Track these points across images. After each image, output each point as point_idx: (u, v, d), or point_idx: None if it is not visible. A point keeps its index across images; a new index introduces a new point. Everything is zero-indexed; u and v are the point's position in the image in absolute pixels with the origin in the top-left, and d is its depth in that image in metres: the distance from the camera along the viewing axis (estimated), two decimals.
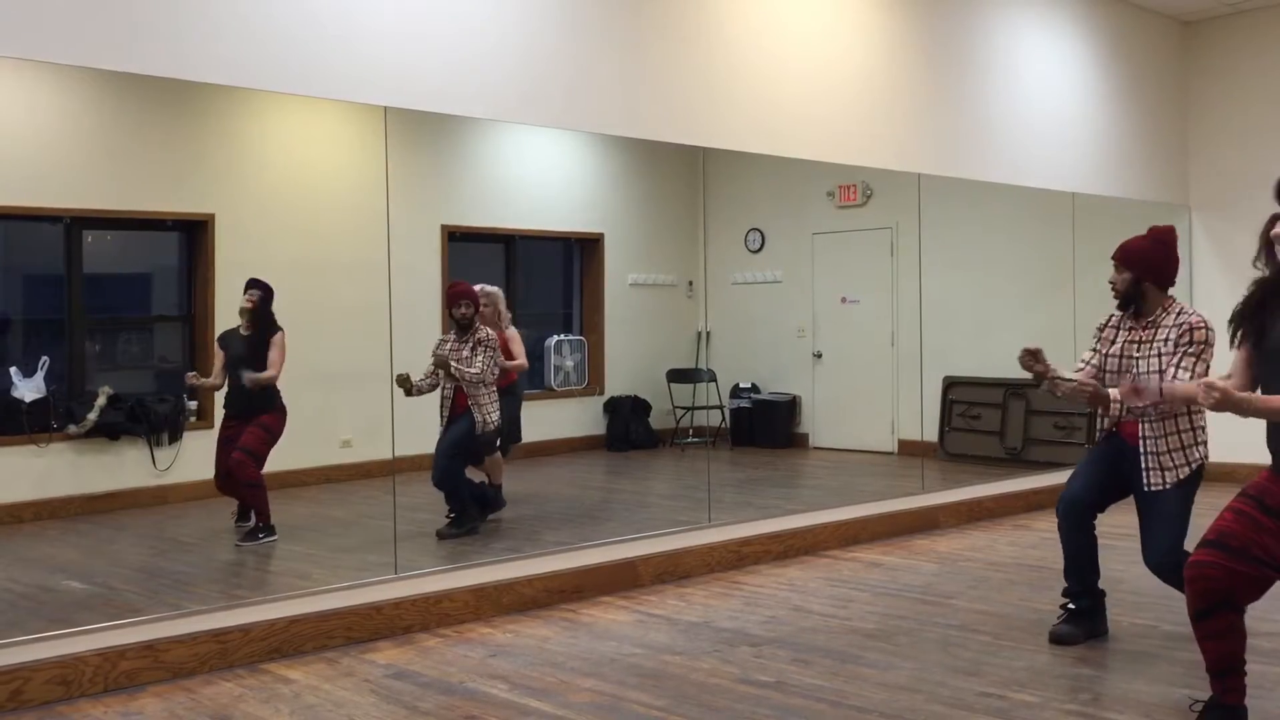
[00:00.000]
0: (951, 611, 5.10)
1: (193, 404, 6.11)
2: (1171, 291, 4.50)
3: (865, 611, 5.12)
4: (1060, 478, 8.00)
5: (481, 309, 6.40)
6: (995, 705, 3.83)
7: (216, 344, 5.87)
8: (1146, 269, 4.43)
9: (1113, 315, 4.61)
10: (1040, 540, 6.71)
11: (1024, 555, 6.28)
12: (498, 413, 6.29)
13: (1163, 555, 4.27)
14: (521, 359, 6.74)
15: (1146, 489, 4.33)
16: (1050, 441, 8.62)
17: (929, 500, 7.22)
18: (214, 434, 5.85)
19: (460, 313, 6.22)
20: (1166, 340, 4.32)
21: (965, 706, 3.83)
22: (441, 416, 6.26)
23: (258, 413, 5.75)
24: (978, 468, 8.40)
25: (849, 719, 3.74)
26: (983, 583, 5.65)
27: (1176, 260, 4.52)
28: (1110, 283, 4.52)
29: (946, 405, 8.87)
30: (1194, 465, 4.32)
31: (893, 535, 6.85)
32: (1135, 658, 4.36)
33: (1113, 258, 4.52)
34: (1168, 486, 4.31)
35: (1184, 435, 4.31)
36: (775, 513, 6.53)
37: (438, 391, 6.28)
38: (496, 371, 6.27)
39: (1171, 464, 4.31)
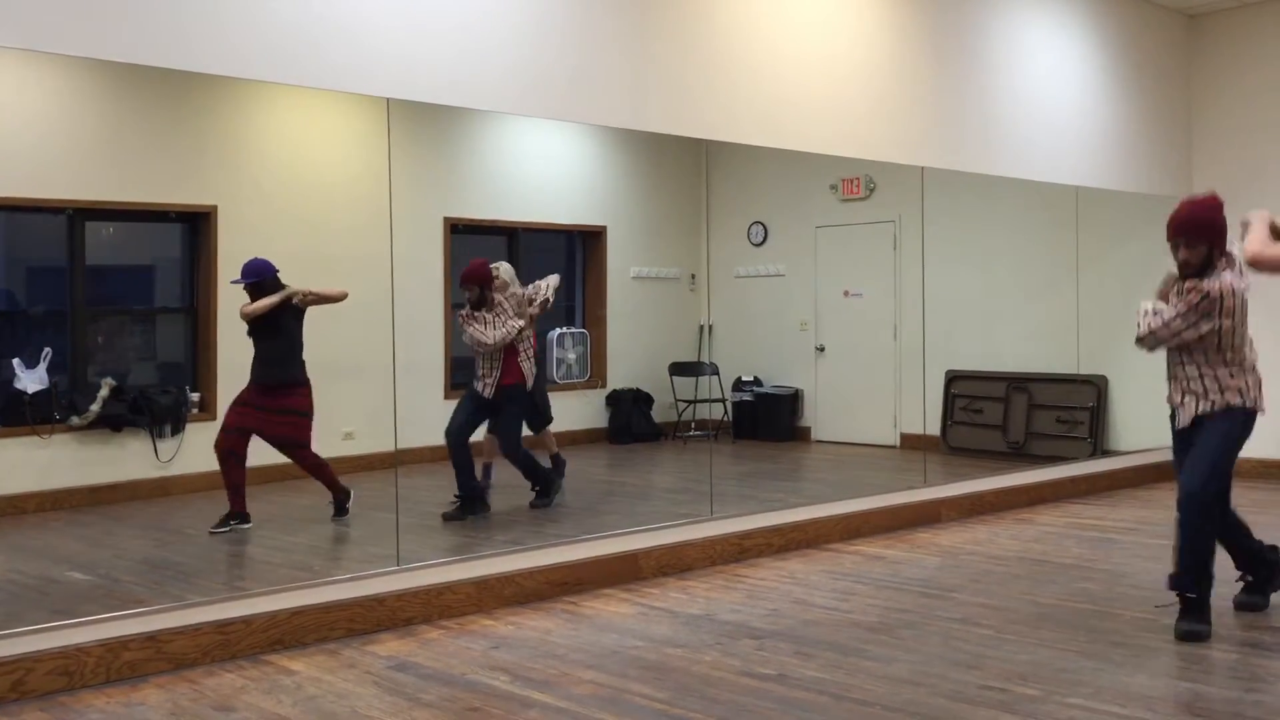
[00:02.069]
0: (953, 605, 5.10)
1: (195, 396, 6.11)
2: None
3: (867, 605, 5.12)
4: (1062, 472, 8.04)
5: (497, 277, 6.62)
6: (997, 698, 3.83)
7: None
8: (1219, 235, 4.48)
9: (1175, 281, 4.66)
10: (1042, 534, 6.71)
11: (1026, 549, 6.28)
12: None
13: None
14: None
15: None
16: (1052, 436, 8.61)
17: (931, 494, 7.22)
18: (216, 425, 5.85)
19: (467, 296, 6.44)
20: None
21: (967, 700, 3.83)
22: (484, 386, 6.42)
23: (297, 385, 5.79)
24: (980, 461, 8.40)
25: (851, 712, 3.74)
26: (985, 576, 5.65)
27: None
28: (1184, 261, 4.50)
29: (949, 399, 8.86)
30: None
31: (895, 529, 6.85)
32: (1137, 651, 4.36)
33: (1180, 235, 4.49)
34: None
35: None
36: (777, 506, 6.53)
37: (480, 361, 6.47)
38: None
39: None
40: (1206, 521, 4.46)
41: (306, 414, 5.84)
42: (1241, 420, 4.51)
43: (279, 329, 5.78)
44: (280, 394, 5.79)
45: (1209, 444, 4.49)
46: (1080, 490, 8.03)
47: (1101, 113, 8.31)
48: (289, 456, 5.84)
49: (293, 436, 5.80)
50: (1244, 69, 8.77)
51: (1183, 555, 4.48)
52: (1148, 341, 4.55)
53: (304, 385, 5.84)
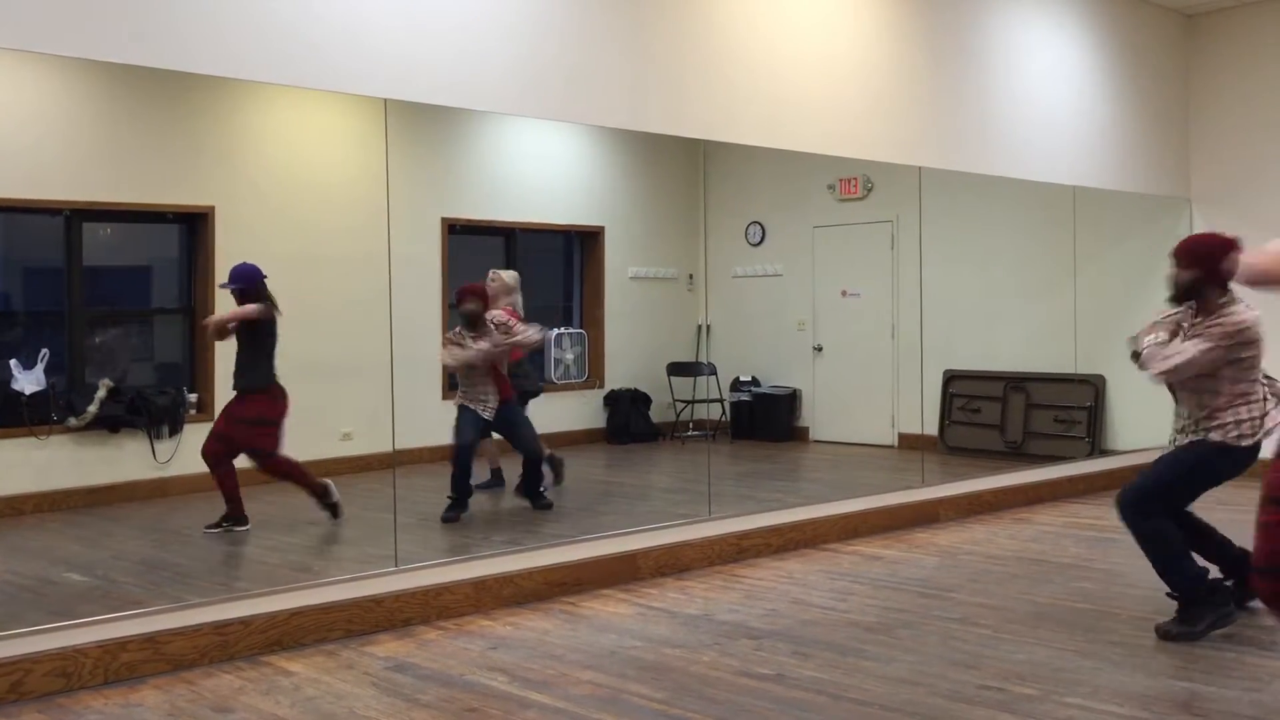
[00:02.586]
0: (951, 604, 5.10)
1: (193, 397, 6.11)
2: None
3: (865, 604, 5.13)
4: (1060, 472, 8.05)
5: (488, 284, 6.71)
6: (995, 698, 3.84)
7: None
8: (1212, 265, 4.51)
9: (1175, 311, 4.71)
10: (1040, 534, 6.71)
11: (1024, 549, 6.29)
12: None
13: (1124, 490, 4.68)
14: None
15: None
16: (1050, 435, 8.62)
17: (929, 494, 7.22)
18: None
19: (468, 308, 6.43)
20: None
21: (965, 699, 3.83)
22: (481, 405, 6.44)
23: (258, 391, 5.77)
24: (978, 461, 8.40)
25: (849, 712, 3.74)
26: (983, 576, 5.66)
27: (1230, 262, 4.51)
28: (1172, 280, 4.63)
29: (947, 398, 8.87)
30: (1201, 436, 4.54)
31: (893, 528, 6.86)
32: (1135, 650, 4.36)
33: (1176, 256, 4.63)
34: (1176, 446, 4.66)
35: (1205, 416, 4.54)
36: (775, 506, 6.54)
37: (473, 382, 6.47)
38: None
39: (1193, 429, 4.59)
40: (1136, 529, 4.58)
41: (267, 421, 5.76)
42: (1206, 452, 4.53)
43: (239, 338, 5.76)
44: (245, 400, 5.77)
45: (1156, 464, 4.67)
46: (1078, 490, 8.04)
47: (1099, 113, 8.32)
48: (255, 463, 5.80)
49: (250, 444, 5.74)
50: (1242, 69, 8.78)
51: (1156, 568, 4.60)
52: (1170, 376, 4.54)
53: (265, 391, 5.76)
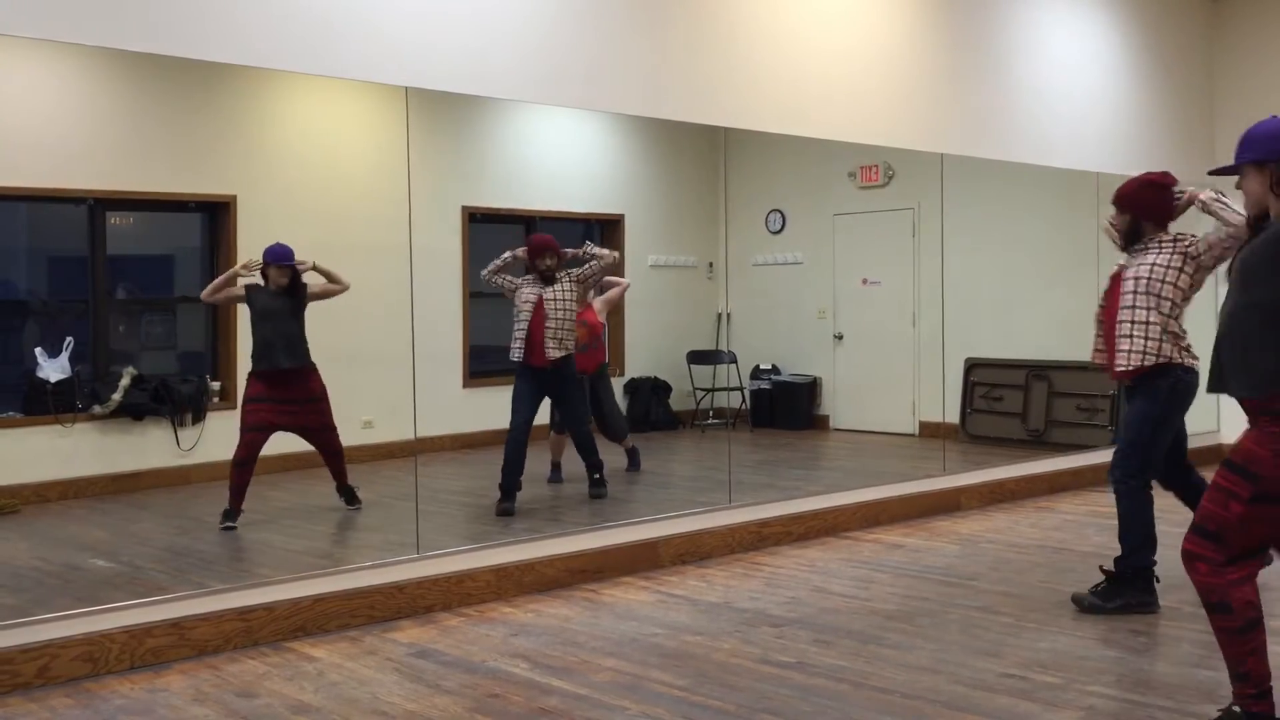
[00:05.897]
0: (973, 593, 5.09)
1: (216, 384, 6.14)
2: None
3: (886, 593, 5.12)
4: (1082, 460, 8.00)
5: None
6: (1017, 686, 3.83)
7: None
8: (1141, 208, 4.71)
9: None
10: (1062, 522, 6.69)
11: (1046, 537, 6.26)
12: None
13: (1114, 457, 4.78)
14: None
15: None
16: (1072, 423, 8.57)
17: (950, 482, 7.20)
18: (236, 414, 5.86)
19: (547, 264, 6.32)
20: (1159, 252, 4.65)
21: (987, 687, 3.82)
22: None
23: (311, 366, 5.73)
24: (999, 449, 8.37)
25: (870, 699, 3.74)
26: (1004, 564, 5.64)
27: (1169, 200, 4.71)
28: (1110, 224, 4.83)
29: (968, 387, 8.83)
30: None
31: (914, 517, 6.84)
32: (1158, 640, 4.34)
33: (1111, 201, 4.83)
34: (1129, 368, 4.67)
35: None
36: (796, 494, 6.53)
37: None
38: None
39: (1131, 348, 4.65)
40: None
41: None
42: (1167, 392, 4.72)
43: (300, 313, 5.81)
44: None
45: (1128, 420, 4.85)
46: (1100, 478, 7.98)
47: (1122, 98, 8.25)
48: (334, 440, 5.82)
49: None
50: (1268, 52, 8.69)
51: None
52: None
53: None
